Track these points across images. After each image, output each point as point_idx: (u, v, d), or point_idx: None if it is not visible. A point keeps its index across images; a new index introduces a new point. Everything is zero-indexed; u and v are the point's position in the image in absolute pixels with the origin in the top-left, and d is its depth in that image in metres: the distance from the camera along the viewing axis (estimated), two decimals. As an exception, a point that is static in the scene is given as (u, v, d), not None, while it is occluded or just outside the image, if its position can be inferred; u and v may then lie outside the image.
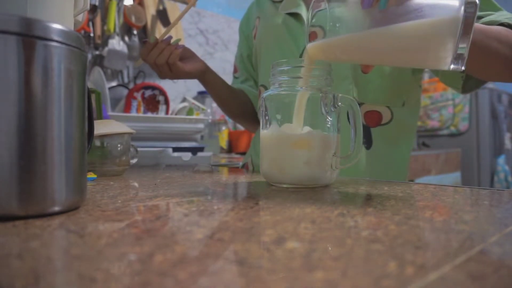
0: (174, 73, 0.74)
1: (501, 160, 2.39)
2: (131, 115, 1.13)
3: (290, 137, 0.43)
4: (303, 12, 0.70)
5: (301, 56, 0.69)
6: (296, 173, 0.43)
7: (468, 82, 0.63)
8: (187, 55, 0.77)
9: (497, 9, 0.60)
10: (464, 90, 0.65)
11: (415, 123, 0.73)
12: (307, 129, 0.43)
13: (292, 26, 0.71)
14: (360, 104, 0.65)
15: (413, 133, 0.73)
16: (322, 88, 0.43)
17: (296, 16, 0.71)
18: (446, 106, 2.43)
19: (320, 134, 0.43)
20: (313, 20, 0.69)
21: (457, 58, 0.32)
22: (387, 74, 0.66)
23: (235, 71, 0.91)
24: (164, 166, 0.86)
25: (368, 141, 0.66)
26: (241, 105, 0.85)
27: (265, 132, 0.45)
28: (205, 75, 0.79)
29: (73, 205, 0.29)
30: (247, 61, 0.87)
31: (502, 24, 0.55)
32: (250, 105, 0.86)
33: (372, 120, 0.66)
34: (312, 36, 0.71)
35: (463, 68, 0.32)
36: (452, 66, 0.33)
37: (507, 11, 0.59)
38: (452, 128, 2.42)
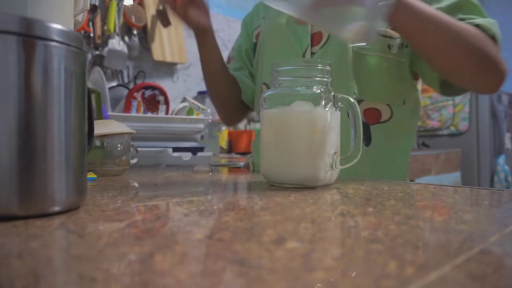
0: (178, 12, 0.73)
1: (501, 160, 2.39)
2: (131, 115, 1.13)
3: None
4: None
5: (304, 56, 0.69)
6: (296, 173, 0.43)
7: (448, 89, 0.66)
8: (200, 4, 0.75)
9: (483, 16, 0.61)
10: (444, 93, 0.67)
11: (415, 123, 0.73)
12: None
13: (296, 25, 0.70)
14: (360, 101, 0.65)
15: (413, 132, 0.73)
16: (322, 88, 0.43)
17: None
18: (446, 106, 2.43)
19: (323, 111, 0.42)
20: None
21: None
22: (386, 71, 0.66)
23: (228, 61, 0.89)
24: (164, 166, 0.85)
25: (367, 138, 0.66)
26: (229, 90, 0.82)
27: (265, 132, 0.45)
28: (207, 35, 0.78)
29: (73, 205, 0.29)
30: (245, 54, 0.86)
31: (477, 26, 0.57)
32: (238, 93, 0.83)
33: (371, 117, 0.66)
34: (317, 36, 0.71)
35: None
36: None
37: (493, 20, 0.60)
38: (452, 128, 2.42)
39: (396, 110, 0.67)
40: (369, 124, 0.66)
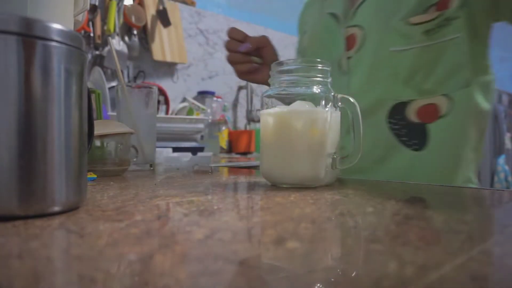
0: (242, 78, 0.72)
1: (501, 160, 2.39)
2: (131, 115, 1.13)
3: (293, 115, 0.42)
4: (340, 11, 0.67)
5: (339, 61, 0.66)
6: (296, 173, 0.43)
7: None
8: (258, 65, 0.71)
9: None
10: None
11: (486, 104, 0.61)
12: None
13: (331, 27, 0.67)
14: (410, 101, 0.60)
15: (485, 118, 0.62)
16: (322, 88, 0.43)
17: (334, 16, 0.68)
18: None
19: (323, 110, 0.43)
20: (353, 19, 0.66)
21: None
22: (434, 60, 0.58)
23: None
24: (164, 166, 0.85)
25: (421, 141, 0.59)
26: None
27: (265, 131, 0.45)
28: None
29: (73, 205, 0.29)
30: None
31: None
32: None
33: (428, 115, 0.59)
34: (351, 39, 0.66)
35: None
36: None
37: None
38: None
39: (459, 96, 0.58)
40: (425, 124, 0.59)
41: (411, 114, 0.60)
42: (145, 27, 1.69)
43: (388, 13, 0.61)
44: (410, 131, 0.61)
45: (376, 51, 0.62)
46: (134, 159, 0.68)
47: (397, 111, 0.61)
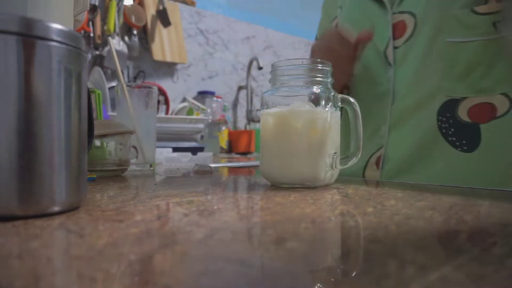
0: None
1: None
2: (131, 115, 1.13)
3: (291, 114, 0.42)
4: None
5: (385, 52, 0.61)
6: (296, 173, 0.43)
7: None
8: None
9: None
10: None
11: None
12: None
13: (374, 15, 0.62)
14: (463, 99, 0.55)
15: None
16: (322, 88, 0.43)
17: (379, 2, 0.62)
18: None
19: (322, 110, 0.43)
20: (401, 5, 0.60)
21: None
22: (494, 55, 0.53)
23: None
24: (164, 166, 0.85)
25: (471, 142, 0.55)
26: None
27: (265, 131, 0.45)
28: None
29: (73, 205, 0.29)
30: None
31: None
32: None
33: (482, 114, 0.54)
34: (400, 27, 0.60)
35: None
36: None
37: None
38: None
39: None
40: (478, 124, 0.54)
41: (463, 113, 0.55)
42: (145, 27, 1.69)
43: None
44: (459, 130, 0.56)
45: (430, 41, 0.56)
46: (134, 159, 0.68)
47: (448, 109, 0.56)
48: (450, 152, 0.57)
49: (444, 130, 0.57)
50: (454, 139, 0.56)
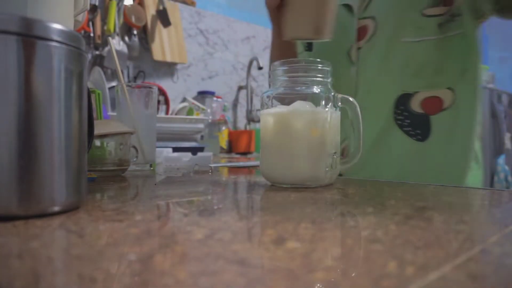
0: None
1: (501, 160, 2.39)
2: (131, 115, 1.13)
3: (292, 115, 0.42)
4: (355, 3, 0.67)
5: (349, 51, 0.66)
6: (296, 173, 0.43)
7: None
8: None
9: None
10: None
11: (479, 95, 0.63)
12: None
13: (343, 18, 0.66)
14: (415, 93, 0.61)
15: (478, 109, 0.64)
16: (322, 88, 0.43)
17: (348, 8, 0.68)
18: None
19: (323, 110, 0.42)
20: (366, 11, 0.66)
21: None
22: (443, 53, 0.60)
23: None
24: (164, 166, 0.85)
25: (424, 132, 0.61)
26: None
27: (265, 131, 0.45)
28: None
29: (73, 205, 0.29)
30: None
31: None
32: None
33: (432, 106, 0.61)
34: (363, 30, 0.67)
35: None
36: None
37: None
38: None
39: (462, 90, 0.60)
40: (428, 115, 0.61)
41: (416, 105, 0.62)
42: (145, 27, 1.69)
43: (405, 5, 0.62)
44: (413, 121, 0.62)
45: (388, 41, 0.63)
46: (134, 159, 0.68)
47: (402, 102, 0.63)
48: (407, 141, 0.63)
49: (399, 122, 0.63)
50: (409, 129, 0.63)
